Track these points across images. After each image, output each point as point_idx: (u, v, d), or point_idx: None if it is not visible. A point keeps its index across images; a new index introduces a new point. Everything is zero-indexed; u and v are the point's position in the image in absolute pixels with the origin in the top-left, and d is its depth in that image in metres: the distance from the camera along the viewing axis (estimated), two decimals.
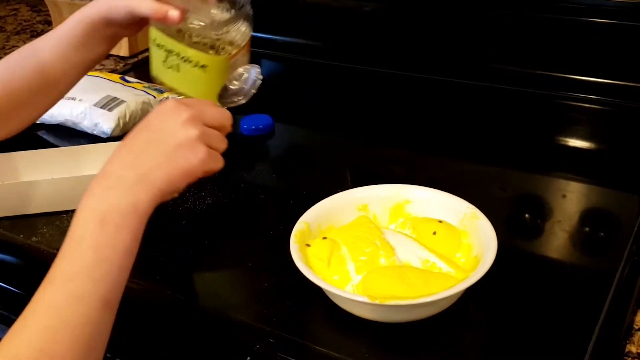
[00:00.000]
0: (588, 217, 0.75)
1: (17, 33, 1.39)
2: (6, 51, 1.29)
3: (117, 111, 0.92)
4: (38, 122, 0.97)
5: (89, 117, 0.92)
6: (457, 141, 0.90)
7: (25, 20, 1.47)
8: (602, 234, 0.73)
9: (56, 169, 0.81)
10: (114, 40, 0.72)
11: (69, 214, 0.77)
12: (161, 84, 0.72)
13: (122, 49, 1.21)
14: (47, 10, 1.43)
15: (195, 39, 0.67)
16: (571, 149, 0.90)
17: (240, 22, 0.68)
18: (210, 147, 0.56)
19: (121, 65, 1.19)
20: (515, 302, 0.62)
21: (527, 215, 0.76)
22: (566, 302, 0.62)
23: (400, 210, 0.68)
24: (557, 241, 0.71)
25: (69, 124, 0.95)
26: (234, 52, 0.68)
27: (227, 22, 0.67)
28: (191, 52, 0.66)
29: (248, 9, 0.69)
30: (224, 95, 0.69)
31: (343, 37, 1.13)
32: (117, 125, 0.91)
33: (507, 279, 0.63)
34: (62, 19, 1.26)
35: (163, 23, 0.65)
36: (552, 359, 0.56)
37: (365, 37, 1.11)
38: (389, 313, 0.57)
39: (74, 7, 1.23)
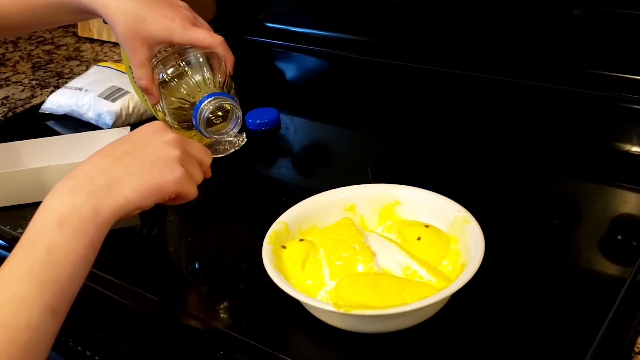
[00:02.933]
0: (599, 223, 0.69)
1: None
2: (31, 41, 1.30)
3: (120, 102, 0.90)
4: (47, 112, 0.97)
5: (94, 107, 0.91)
6: (479, 140, 0.85)
7: None
8: (608, 241, 0.66)
9: (54, 156, 0.79)
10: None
11: None
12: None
13: None
14: None
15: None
16: (582, 149, 0.82)
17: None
18: (187, 171, 0.55)
19: None
20: (507, 314, 0.56)
21: (529, 221, 0.69)
22: (563, 316, 0.56)
23: (390, 212, 0.64)
24: (561, 249, 0.65)
25: (75, 114, 0.94)
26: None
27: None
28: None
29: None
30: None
31: (352, 28, 1.08)
32: (119, 116, 0.89)
33: (500, 288, 0.59)
34: None
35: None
36: None
37: (375, 28, 1.06)
38: (357, 323, 0.53)
39: None
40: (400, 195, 0.64)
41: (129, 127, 0.83)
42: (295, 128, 0.92)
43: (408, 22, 1.04)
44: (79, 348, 0.68)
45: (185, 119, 0.73)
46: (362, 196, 0.64)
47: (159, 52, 0.71)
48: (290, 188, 0.78)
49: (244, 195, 0.76)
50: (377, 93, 1.00)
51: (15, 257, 0.48)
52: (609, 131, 0.85)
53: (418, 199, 0.63)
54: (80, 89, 0.94)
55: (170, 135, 0.56)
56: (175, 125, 0.74)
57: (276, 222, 0.61)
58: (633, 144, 0.84)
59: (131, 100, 0.91)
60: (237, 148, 0.77)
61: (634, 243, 0.64)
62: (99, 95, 0.91)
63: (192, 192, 0.56)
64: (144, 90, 0.71)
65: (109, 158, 0.53)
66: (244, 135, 0.77)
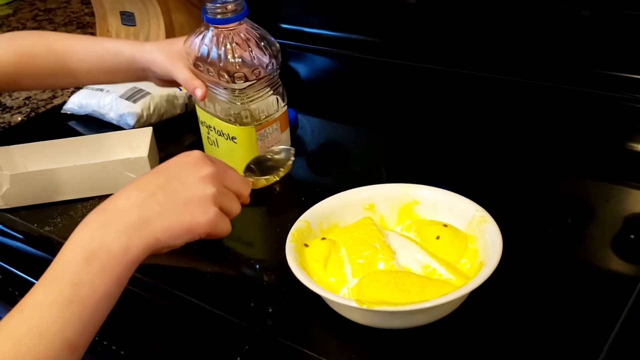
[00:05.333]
0: (613, 222, 0.70)
1: (65, 24, 1.42)
2: None
3: (141, 103, 0.92)
4: (68, 112, 0.99)
5: (115, 108, 0.93)
6: (491, 140, 0.86)
7: (73, 12, 1.50)
8: (622, 240, 0.68)
9: (78, 156, 0.80)
10: (137, 79, 0.80)
11: (84, 203, 0.78)
12: None
13: (160, 40, 1.22)
14: None
15: (222, 115, 0.74)
16: (593, 149, 0.83)
17: (263, 95, 0.73)
18: (222, 208, 0.54)
19: None
20: (523, 311, 0.58)
21: (545, 220, 0.71)
22: (578, 313, 0.58)
23: (409, 211, 0.65)
24: (574, 248, 0.67)
25: (97, 114, 0.96)
26: (258, 124, 0.73)
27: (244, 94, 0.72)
28: (223, 125, 0.73)
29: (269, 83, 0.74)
30: (255, 170, 0.69)
31: (366, 29, 1.10)
32: (141, 116, 0.91)
33: (517, 287, 0.60)
34: (103, 11, 1.28)
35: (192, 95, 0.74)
36: None
37: (389, 29, 1.07)
38: (379, 319, 0.54)
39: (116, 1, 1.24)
40: (419, 195, 0.65)
41: (150, 128, 0.85)
42: (312, 128, 0.94)
43: (422, 23, 1.05)
44: (105, 343, 0.70)
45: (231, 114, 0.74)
46: (382, 196, 0.66)
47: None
48: (309, 187, 0.80)
49: (265, 193, 0.77)
50: (391, 93, 1.01)
51: (40, 287, 0.48)
52: (619, 131, 0.86)
53: (437, 198, 0.64)
54: (101, 89, 0.96)
55: (207, 170, 0.54)
56: (231, 119, 0.75)
57: (298, 220, 0.63)
58: None
59: (152, 101, 0.92)
60: (281, 175, 0.72)
61: None
62: (120, 96, 0.93)
63: (224, 230, 0.55)
64: (190, 90, 0.73)
65: (142, 192, 0.52)
66: (293, 151, 0.73)
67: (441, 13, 1.03)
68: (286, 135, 0.77)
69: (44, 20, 1.45)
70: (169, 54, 0.74)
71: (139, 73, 0.78)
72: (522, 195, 0.74)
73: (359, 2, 1.11)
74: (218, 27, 0.71)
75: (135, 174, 0.78)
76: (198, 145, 0.85)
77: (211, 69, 0.71)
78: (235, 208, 0.56)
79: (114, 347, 0.69)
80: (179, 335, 0.63)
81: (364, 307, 0.52)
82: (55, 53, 0.77)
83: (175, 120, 0.94)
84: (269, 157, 0.66)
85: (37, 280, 0.74)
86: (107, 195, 0.76)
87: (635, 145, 0.86)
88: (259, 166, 0.65)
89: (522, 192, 0.75)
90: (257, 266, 0.66)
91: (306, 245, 0.61)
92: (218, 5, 0.70)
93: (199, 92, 0.72)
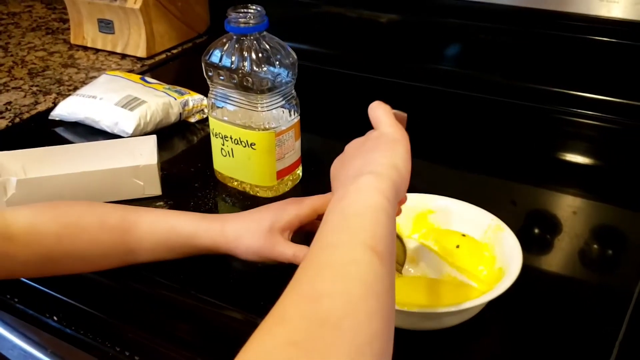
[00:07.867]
0: (598, 234, 0.76)
1: (33, 30, 1.39)
2: (22, 47, 1.30)
3: (138, 111, 0.92)
4: (57, 119, 0.98)
5: (109, 115, 0.93)
6: (464, 153, 0.91)
7: (40, 17, 1.47)
8: (614, 251, 0.74)
9: (84, 163, 0.79)
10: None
11: None
12: (222, 179, 0.83)
13: (139, 49, 1.22)
14: (62, 8, 1.45)
15: (241, 123, 0.77)
16: (577, 166, 0.91)
17: (281, 102, 0.76)
18: None
19: (138, 65, 1.20)
20: (529, 316, 0.62)
21: (538, 230, 0.77)
22: (581, 319, 0.62)
23: (424, 220, 0.69)
24: (570, 257, 0.71)
25: (88, 122, 0.95)
26: (278, 130, 0.76)
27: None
28: (242, 132, 0.76)
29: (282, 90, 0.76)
30: None
31: (358, 46, 1.14)
32: (138, 125, 0.91)
33: (522, 293, 0.64)
34: (79, 18, 1.27)
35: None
36: None
37: (380, 47, 1.12)
38: (413, 320, 0.57)
39: (93, 6, 1.24)
40: (434, 204, 0.69)
41: (154, 136, 0.85)
42: (310, 142, 0.96)
43: (415, 43, 1.10)
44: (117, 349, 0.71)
45: None
46: None
47: None
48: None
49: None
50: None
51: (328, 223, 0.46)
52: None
53: (451, 208, 0.68)
54: (94, 97, 0.96)
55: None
56: (252, 125, 0.76)
57: None
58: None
59: (148, 110, 0.93)
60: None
61: (629, 252, 0.72)
62: (116, 104, 0.93)
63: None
64: None
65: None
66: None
67: (431, 35, 1.08)
68: (298, 144, 0.80)
69: (9, 24, 1.42)
70: (261, 232, 0.63)
71: (213, 252, 0.66)
72: (501, 208, 0.78)
73: (340, 18, 1.15)
74: (241, 36, 0.73)
75: (143, 181, 0.78)
76: (195, 152, 0.86)
77: (234, 77, 0.73)
78: None
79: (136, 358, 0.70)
80: (210, 339, 0.64)
81: (404, 309, 0.55)
82: (111, 227, 0.64)
83: (170, 128, 0.95)
84: None
85: (49, 289, 0.75)
86: (115, 202, 0.76)
87: (575, 156, 0.93)
88: None
89: (501, 204, 0.79)
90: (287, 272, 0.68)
91: None
92: (241, 15, 0.72)
93: None
